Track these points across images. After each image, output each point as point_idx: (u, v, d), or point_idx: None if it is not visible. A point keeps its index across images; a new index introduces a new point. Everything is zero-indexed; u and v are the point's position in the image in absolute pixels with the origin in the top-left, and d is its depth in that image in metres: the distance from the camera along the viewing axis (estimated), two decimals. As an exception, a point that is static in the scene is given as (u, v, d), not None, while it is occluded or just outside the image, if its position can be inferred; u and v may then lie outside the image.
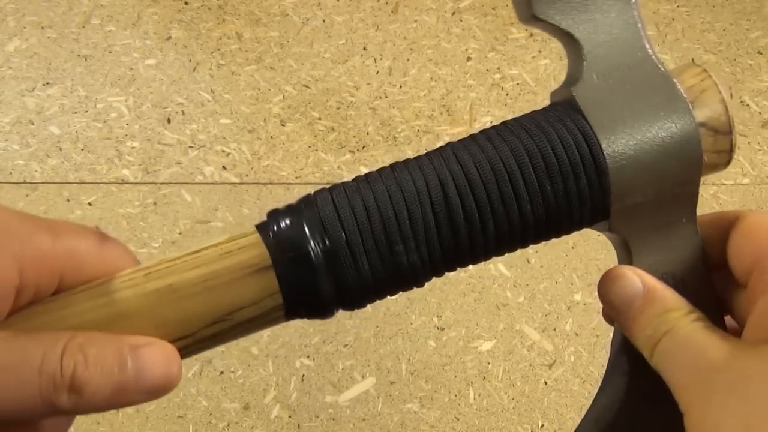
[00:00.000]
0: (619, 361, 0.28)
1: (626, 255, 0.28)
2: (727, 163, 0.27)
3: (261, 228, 0.26)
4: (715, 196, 0.91)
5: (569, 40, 0.28)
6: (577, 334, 0.79)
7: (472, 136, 0.28)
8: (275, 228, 0.26)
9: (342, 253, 0.25)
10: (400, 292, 0.28)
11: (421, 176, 0.26)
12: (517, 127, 0.27)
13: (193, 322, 0.25)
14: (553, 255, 0.85)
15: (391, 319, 0.80)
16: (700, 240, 0.28)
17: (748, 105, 1.01)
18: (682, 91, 0.27)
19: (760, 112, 1.01)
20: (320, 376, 0.76)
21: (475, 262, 0.28)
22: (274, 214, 0.27)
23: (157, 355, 0.24)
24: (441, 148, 0.27)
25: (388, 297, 0.28)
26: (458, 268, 0.28)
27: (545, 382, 0.76)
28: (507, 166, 0.26)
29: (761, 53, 1.08)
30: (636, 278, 0.26)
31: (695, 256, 0.27)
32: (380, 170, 0.27)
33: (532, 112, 0.28)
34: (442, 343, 0.79)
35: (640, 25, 0.28)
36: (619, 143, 0.26)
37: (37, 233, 0.24)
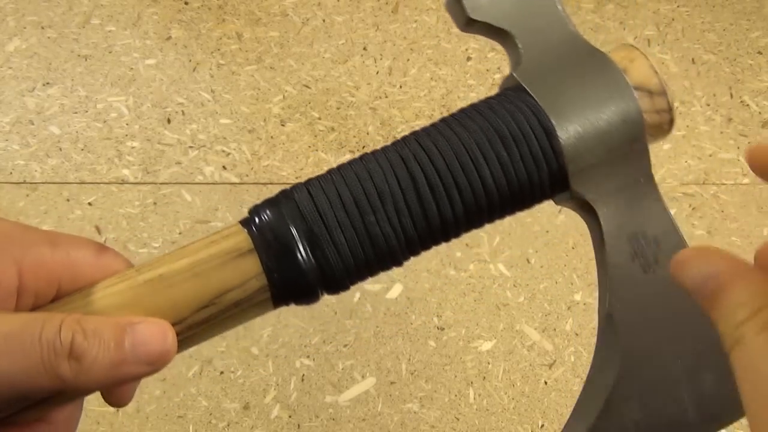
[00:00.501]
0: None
1: (594, 222, 0.29)
2: (670, 122, 0.30)
3: (243, 222, 0.28)
4: (715, 196, 0.91)
5: (503, 36, 0.32)
6: (577, 334, 0.79)
7: (431, 123, 0.30)
8: (256, 219, 0.28)
9: (318, 231, 0.27)
10: (380, 272, 0.29)
11: (386, 159, 0.29)
12: (472, 110, 0.30)
13: (183, 308, 0.26)
14: (553, 255, 0.85)
15: (391, 319, 0.80)
16: (661, 198, 0.29)
17: (748, 105, 1.01)
18: (614, 63, 0.30)
19: (760, 112, 1.01)
20: (320, 376, 0.76)
21: (446, 236, 0.29)
22: (255, 208, 0.29)
23: (152, 328, 0.25)
24: (404, 136, 0.30)
25: (370, 278, 0.29)
26: (432, 245, 0.29)
27: (545, 382, 0.76)
28: (462, 140, 0.28)
29: (761, 53, 1.08)
30: (701, 263, 0.24)
31: (661, 214, 0.29)
32: (350, 160, 0.29)
33: (485, 97, 0.31)
34: (442, 343, 0.79)
35: (561, 9, 0.31)
36: (564, 109, 0.28)
37: (37, 243, 0.26)
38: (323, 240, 0.27)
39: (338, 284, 0.28)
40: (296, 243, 0.27)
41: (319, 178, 0.29)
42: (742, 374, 0.22)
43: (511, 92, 0.30)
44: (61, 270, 0.26)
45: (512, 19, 0.31)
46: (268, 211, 0.28)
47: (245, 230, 0.27)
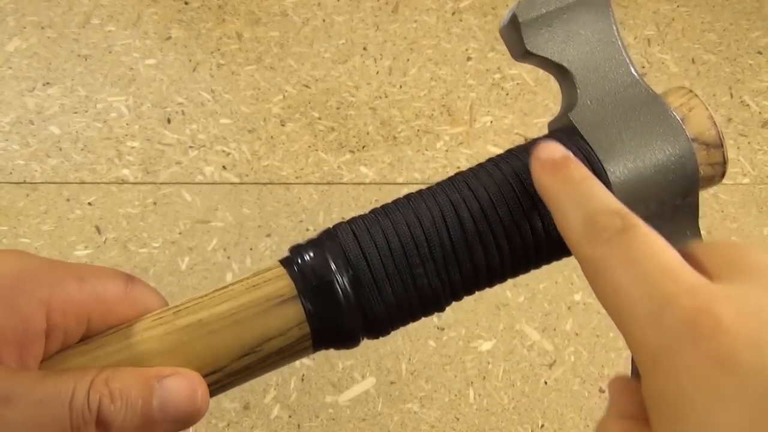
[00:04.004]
0: None
1: None
2: (722, 175, 0.29)
3: (285, 262, 0.27)
4: (715, 196, 0.91)
5: (560, 71, 0.30)
6: (577, 334, 0.79)
7: (479, 164, 0.29)
8: (299, 261, 0.27)
9: (365, 280, 0.26)
10: (422, 318, 0.28)
11: (435, 203, 0.27)
12: (523, 152, 0.28)
13: (223, 355, 0.25)
14: (553, 255, 0.85)
15: (391, 319, 0.80)
16: None
17: (748, 105, 1.01)
18: (672, 110, 0.28)
19: (760, 112, 1.01)
20: (320, 376, 0.76)
21: (491, 283, 0.28)
22: (297, 248, 0.28)
23: (181, 384, 0.24)
24: (451, 177, 0.29)
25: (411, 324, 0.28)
26: (476, 291, 0.29)
27: (545, 382, 0.76)
28: (515, 188, 0.27)
29: (761, 53, 1.08)
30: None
31: None
32: (395, 201, 0.28)
33: (535, 138, 0.29)
34: (442, 343, 0.79)
35: (623, 51, 0.30)
36: (619, 161, 0.27)
37: (64, 279, 0.25)
38: (369, 289, 0.26)
39: (380, 330, 0.28)
40: (340, 290, 0.26)
41: (363, 218, 0.28)
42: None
43: (563, 134, 0.29)
44: (91, 306, 0.25)
45: (572, 57, 0.30)
46: (311, 253, 0.27)
47: (287, 272, 0.26)
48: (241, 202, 0.89)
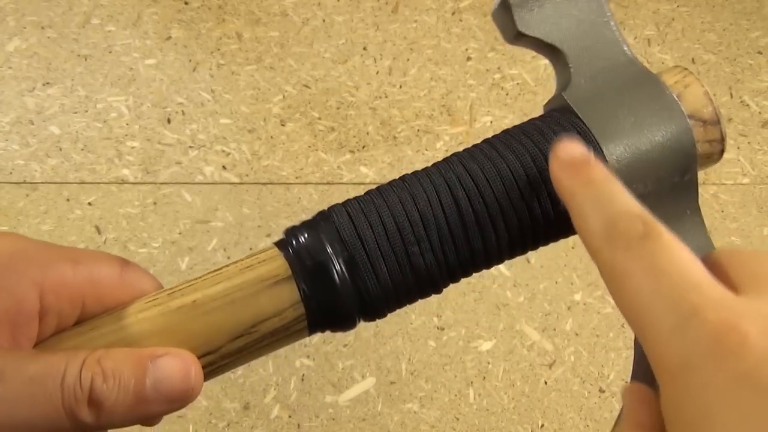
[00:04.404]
0: None
1: None
2: (721, 152, 0.29)
3: (280, 244, 0.27)
4: (715, 196, 0.91)
5: (553, 52, 0.30)
6: (577, 334, 0.79)
7: (475, 145, 0.29)
8: (294, 242, 0.27)
9: (360, 259, 0.26)
10: (419, 299, 0.28)
11: (429, 183, 0.27)
12: (518, 132, 0.28)
13: (217, 336, 0.25)
14: (553, 255, 0.85)
15: (391, 319, 0.80)
16: (707, 231, 0.29)
17: (748, 105, 1.01)
18: (668, 88, 0.28)
19: (760, 112, 1.01)
20: (320, 376, 0.76)
21: (489, 264, 0.28)
22: (292, 230, 0.27)
23: (175, 364, 0.24)
24: (447, 157, 0.28)
25: (407, 306, 0.28)
26: (473, 273, 0.28)
27: (545, 382, 0.76)
28: (511, 167, 0.27)
29: (761, 53, 1.08)
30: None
31: (703, 248, 0.28)
32: (391, 182, 0.28)
33: (531, 119, 0.29)
34: (442, 343, 0.79)
35: (616, 30, 0.30)
36: (615, 138, 0.27)
37: (57, 261, 0.25)
38: (364, 269, 0.26)
39: (376, 312, 0.27)
40: (335, 270, 0.26)
41: (358, 199, 0.28)
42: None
43: (559, 114, 0.28)
44: (85, 289, 0.25)
45: (564, 36, 0.29)
46: (306, 234, 0.27)
47: (282, 254, 0.26)
48: (241, 202, 0.89)
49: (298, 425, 0.73)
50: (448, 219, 0.27)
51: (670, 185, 0.27)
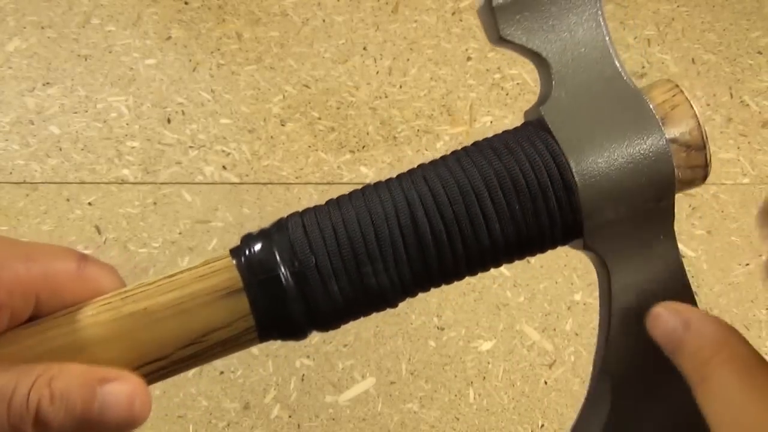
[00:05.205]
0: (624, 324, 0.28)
1: (605, 274, 0.27)
2: (704, 178, 0.27)
3: (234, 252, 0.27)
4: (715, 196, 0.91)
5: (538, 60, 0.28)
6: (577, 334, 0.79)
7: (442, 158, 0.28)
8: (247, 252, 0.26)
9: (311, 276, 0.26)
10: (374, 313, 0.28)
11: (389, 198, 0.27)
12: (486, 148, 0.27)
13: (168, 344, 0.26)
14: (553, 255, 0.85)
15: (391, 319, 0.80)
16: (680, 257, 0.27)
17: (748, 105, 1.01)
18: (652, 108, 0.27)
19: (760, 112, 1.01)
20: (320, 376, 0.76)
21: (447, 281, 0.28)
22: (247, 239, 0.27)
23: (122, 390, 0.24)
24: (411, 170, 0.28)
25: (362, 318, 0.28)
26: (431, 288, 0.28)
27: (545, 382, 0.76)
28: (474, 187, 0.26)
29: (761, 53, 1.08)
30: (671, 315, 0.26)
31: (677, 274, 0.27)
32: (351, 193, 0.28)
33: (503, 132, 0.28)
34: (442, 343, 0.79)
35: (608, 41, 0.28)
36: (588, 161, 0.26)
37: (10, 258, 0.25)
38: (314, 284, 0.26)
39: (327, 324, 0.27)
40: (285, 284, 0.26)
41: (316, 209, 0.28)
42: (710, 407, 0.23)
43: (533, 129, 0.27)
44: (39, 285, 0.26)
45: (550, 44, 0.28)
46: (260, 244, 0.26)
47: (234, 263, 0.26)
48: (241, 202, 0.89)
49: (298, 425, 0.73)
50: (405, 238, 0.26)
51: (644, 211, 0.26)
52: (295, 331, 0.27)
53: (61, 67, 1.01)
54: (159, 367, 0.26)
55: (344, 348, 0.77)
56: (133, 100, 0.98)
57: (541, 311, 0.81)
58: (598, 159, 0.26)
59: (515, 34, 0.28)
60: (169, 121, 0.96)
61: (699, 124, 0.27)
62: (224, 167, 0.92)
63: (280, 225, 0.27)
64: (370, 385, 0.76)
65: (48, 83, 0.99)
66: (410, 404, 0.75)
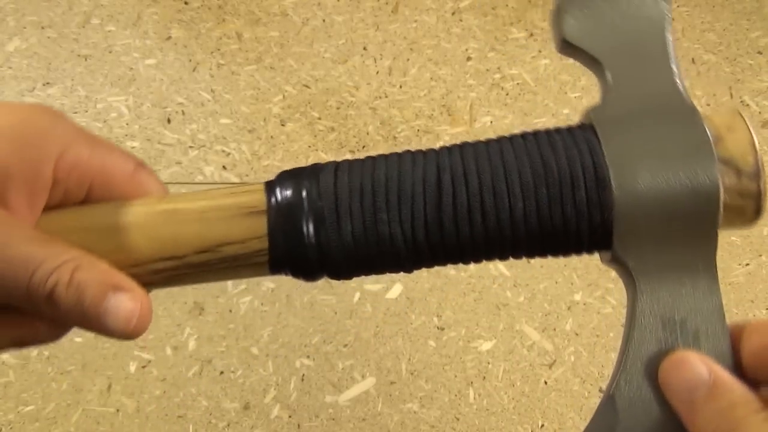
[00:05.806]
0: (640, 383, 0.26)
1: (632, 291, 0.26)
2: (756, 211, 0.26)
3: (268, 183, 0.29)
4: (715, 196, 0.91)
5: (597, 67, 0.28)
6: (577, 334, 0.79)
7: (485, 140, 0.28)
8: (278, 185, 0.28)
9: (328, 212, 0.27)
10: (385, 272, 0.28)
11: (422, 161, 0.27)
12: (529, 135, 0.28)
13: (185, 244, 0.28)
14: (553, 255, 0.85)
15: (391, 319, 0.80)
16: (719, 294, 0.26)
17: (748, 105, 1.01)
18: (706, 126, 0.26)
19: (760, 112, 1.01)
20: (320, 376, 0.76)
21: (461, 256, 0.28)
22: (282, 175, 0.29)
23: (126, 306, 0.26)
24: (453, 144, 0.28)
25: (375, 275, 0.29)
26: (444, 262, 0.28)
27: (545, 382, 0.76)
28: (505, 162, 0.26)
29: (761, 53, 1.08)
30: (702, 365, 0.24)
31: (712, 310, 0.25)
32: (390, 154, 0.29)
33: (554, 128, 0.28)
34: (442, 343, 0.79)
35: (671, 55, 0.28)
36: (627, 160, 0.25)
37: (77, 141, 0.27)
38: (329, 223, 0.27)
39: (337, 270, 0.28)
40: (304, 219, 0.27)
41: (351, 162, 0.28)
42: None
43: (580, 131, 0.27)
44: (96, 173, 0.28)
45: (610, 51, 0.28)
46: (292, 180, 0.28)
47: (265, 192, 0.28)
48: (241, 202, 0.89)
49: (298, 425, 0.73)
50: (426, 196, 0.27)
51: (683, 230, 0.25)
52: (304, 266, 0.28)
53: (61, 67, 1.01)
54: (172, 266, 0.28)
55: (344, 348, 0.77)
56: (133, 100, 0.98)
57: (541, 311, 0.81)
58: (639, 164, 0.25)
59: (577, 37, 0.29)
60: (169, 121, 0.96)
61: (755, 149, 0.26)
62: (224, 167, 0.92)
63: (315, 167, 0.28)
64: (370, 385, 0.76)
65: (48, 83, 0.99)
66: (410, 404, 0.75)
